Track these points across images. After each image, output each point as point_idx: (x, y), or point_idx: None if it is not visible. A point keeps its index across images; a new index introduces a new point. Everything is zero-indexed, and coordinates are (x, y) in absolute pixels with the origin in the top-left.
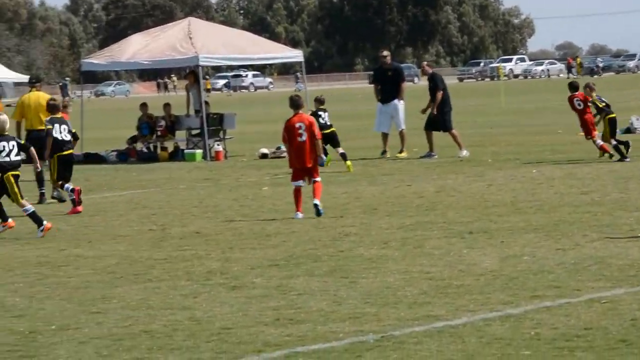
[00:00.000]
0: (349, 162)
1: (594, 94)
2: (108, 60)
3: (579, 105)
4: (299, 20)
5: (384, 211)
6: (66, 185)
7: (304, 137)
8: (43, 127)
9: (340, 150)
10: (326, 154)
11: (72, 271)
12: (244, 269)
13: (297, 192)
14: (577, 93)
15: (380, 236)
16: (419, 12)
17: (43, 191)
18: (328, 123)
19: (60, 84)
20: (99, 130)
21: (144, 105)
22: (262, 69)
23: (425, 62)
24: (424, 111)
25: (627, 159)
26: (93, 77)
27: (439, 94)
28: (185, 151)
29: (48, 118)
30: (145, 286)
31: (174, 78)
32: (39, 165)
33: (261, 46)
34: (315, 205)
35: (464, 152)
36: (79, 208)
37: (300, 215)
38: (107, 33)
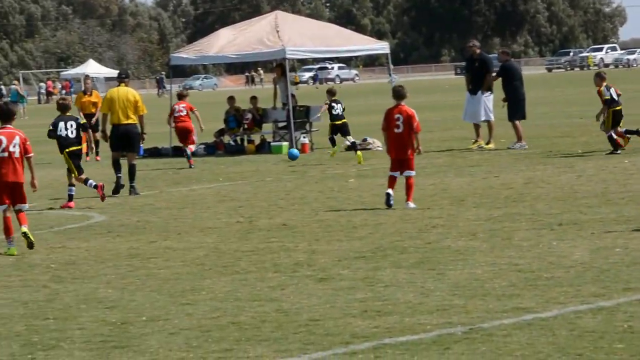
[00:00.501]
0: (359, 153)
1: (603, 85)
2: (197, 54)
3: None
4: (385, 12)
5: (472, 202)
6: (89, 181)
7: (401, 129)
8: (128, 122)
9: (351, 139)
10: (334, 144)
11: (162, 263)
12: (331, 260)
13: (392, 179)
14: None
15: (468, 228)
16: (507, 2)
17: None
18: (340, 114)
19: (157, 77)
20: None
21: (231, 99)
22: (347, 61)
23: (501, 50)
24: (504, 100)
25: (618, 152)
26: (182, 71)
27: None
28: (272, 144)
29: (55, 118)
30: (233, 278)
31: (261, 71)
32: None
33: (347, 38)
34: (407, 205)
35: (519, 145)
36: (71, 204)
37: (390, 192)
38: (195, 27)
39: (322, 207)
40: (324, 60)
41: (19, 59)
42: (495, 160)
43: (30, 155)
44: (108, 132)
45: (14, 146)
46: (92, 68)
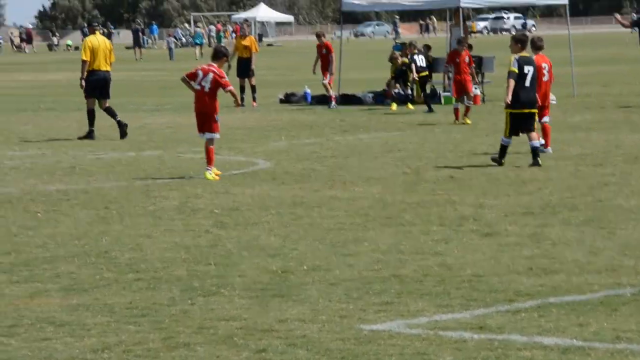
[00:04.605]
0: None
1: None
2: (369, 0)
3: None
4: None
5: None
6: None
7: (546, 78)
8: (107, 69)
9: (424, 93)
10: (412, 100)
11: (326, 212)
12: (498, 215)
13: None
14: None
15: None
16: None
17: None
18: (424, 66)
19: (133, 28)
20: (357, 71)
21: (409, 46)
22: (524, 12)
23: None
24: None
25: None
26: (353, 18)
27: None
28: (442, 94)
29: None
30: (396, 230)
31: (434, 19)
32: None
33: None
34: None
35: None
36: None
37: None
38: None
39: (490, 160)
40: (499, 9)
41: (190, 1)
42: None
43: (228, 89)
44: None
45: (206, 81)
46: (263, 12)
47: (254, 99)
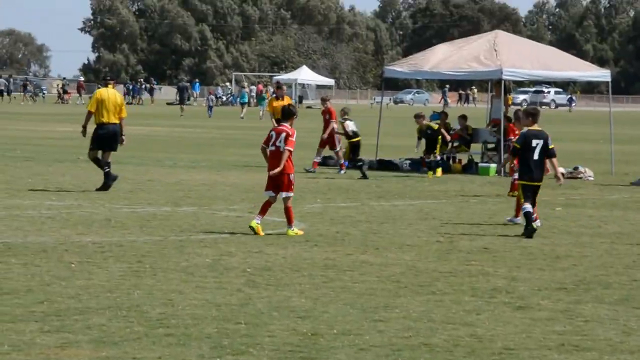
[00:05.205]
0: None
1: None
2: (411, 68)
3: None
4: (609, 38)
5: None
6: None
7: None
8: (115, 122)
9: (358, 159)
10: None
11: (358, 276)
12: (531, 289)
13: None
14: None
15: None
16: None
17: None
18: (356, 130)
19: (179, 85)
20: (394, 138)
21: (443, 114)
22: (564, 86)
23: None
24: None
25: None
26: (394, 84)
27: None
28: (480, 164)
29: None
30: (428, 298)
31: (475, 90)
32: None
33: (566, 63)
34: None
35: None
36: None
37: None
38: (411, 41)
39: (524, 237)
40: (540, 83)
41: (234, 60)
42: None
43: (287, 148)
44: (89, 130)
45: (280, 141)
46: (305, 74)
47: None
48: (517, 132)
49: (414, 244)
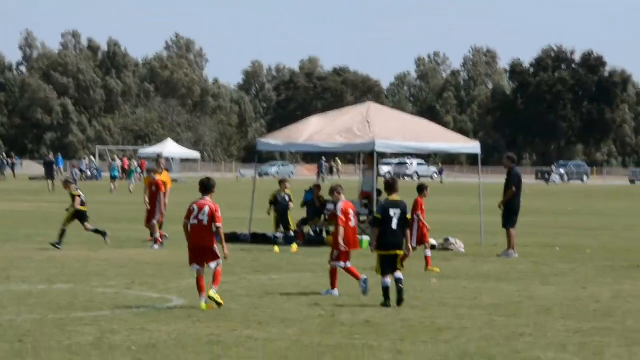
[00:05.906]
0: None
1: None
2: (285, 141)
3: None
4: (469, 110)
5: (559, 313)
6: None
7: (353, 223)
8: None
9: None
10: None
11: (244, 352)
12: None
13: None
14: None
15: (557, 339)
16: (594, 109)
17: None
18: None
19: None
20: (263, 211)
21: (316, 187)
22: (426, 158)
23: (506, 155)
24: (499, 206)
25: None
26: (259, 157)
27: (510, 191)
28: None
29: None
30: None
31: (339, 162)
32: None
33: (437, 134)
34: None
35: (511, 253)
36: None
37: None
38: (275, 113)
39: (405, 306)
40: (403, 155)
41: (97, 134)
42: (581, 271)
43: (218, 225)
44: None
45: (203, 215)
46: (170, 148)
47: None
48: (422, 206)
49: (296, 318)
